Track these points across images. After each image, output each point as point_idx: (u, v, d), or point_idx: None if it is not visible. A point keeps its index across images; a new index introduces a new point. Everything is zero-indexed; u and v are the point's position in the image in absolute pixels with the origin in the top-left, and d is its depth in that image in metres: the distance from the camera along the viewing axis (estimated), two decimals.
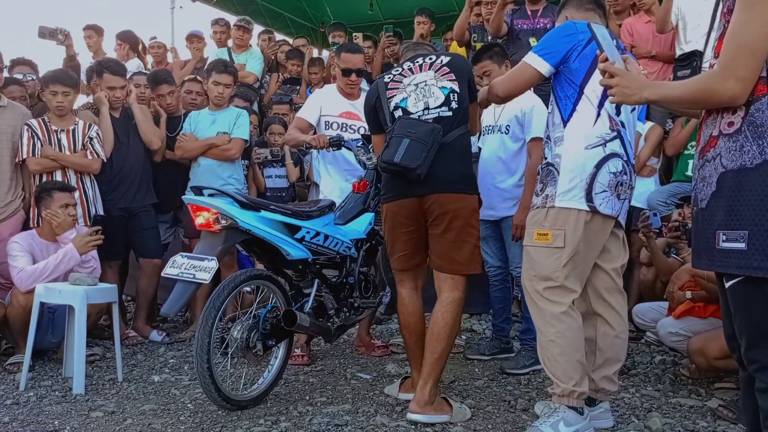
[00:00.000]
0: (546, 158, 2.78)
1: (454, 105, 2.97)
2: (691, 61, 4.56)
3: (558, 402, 2.65)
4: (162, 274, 3.09)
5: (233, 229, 3.03)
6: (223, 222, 3.00)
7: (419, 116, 2.96)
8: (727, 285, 1.73)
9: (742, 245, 1.65)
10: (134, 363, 3.98)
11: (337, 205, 3.63)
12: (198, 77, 5.62)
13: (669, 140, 4.78)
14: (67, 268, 3.76)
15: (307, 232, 3.27)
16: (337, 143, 3.80)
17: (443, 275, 2.99)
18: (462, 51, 6.23)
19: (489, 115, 3.94)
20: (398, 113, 3.01)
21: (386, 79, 3.12)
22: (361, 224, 3.62)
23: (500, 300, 4.06)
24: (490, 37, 5.73)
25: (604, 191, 2.63)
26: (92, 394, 3.36)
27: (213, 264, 2.91)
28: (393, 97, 3.05)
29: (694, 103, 1.85)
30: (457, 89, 2.99)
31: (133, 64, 7.12)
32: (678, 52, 4.97)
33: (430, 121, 2.93)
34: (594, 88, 2.66)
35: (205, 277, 2.87)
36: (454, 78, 3.02)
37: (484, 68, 3.86)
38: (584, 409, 2.68)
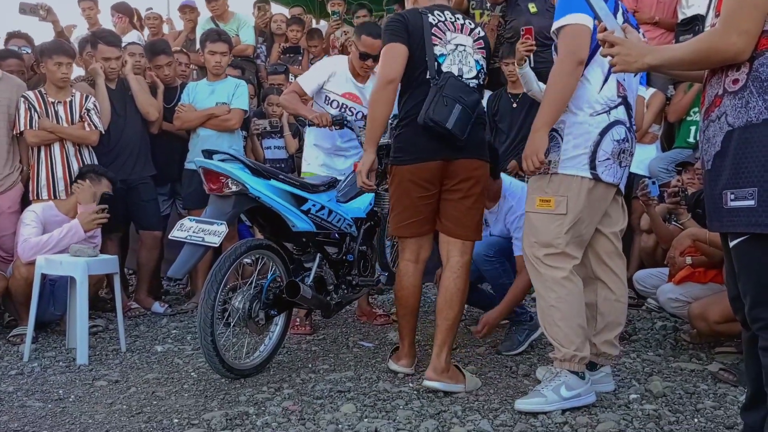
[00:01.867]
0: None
1: (481, 80, 3.00)
2: (694, 25, 4.52)
3: (560, 366, 2.67)
4: (169, 237, 3.08)
5: (243, 195, 3.02)
6: (234, 187, 2.99)
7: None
8: (731, 244, 1.72)
9: (751, 202, 1.63)
10: (137, 334, 3.99)
11: (338, 182, 3.63)
12: (184, 49, 5.59)
13: (671, 106, 4.75)
14: (72, 242, 3.75)
15: (313, 205, 3.27)
16: (339, 122, 3.75)
17: (454, 240, 2.97)
18: None
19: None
20: (435, 67, 2.89)
21: (431, 20, 2.92)
22: (362, 203, 3.63)
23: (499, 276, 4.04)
24: (488, 5, 5.67)
25: (608, 159, 2.62)
26: (96, 364, 3.37)
27: (223, 228, 2.90)
28: (436, 45, 2.90)
29: (698, 63, 1.82)
30: (485, 67, 3.04)
31: (132, 36, 7.05)
32: (680, 17, 4.92)
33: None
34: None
35: (215, 240, 2.87)
36: (485, 55, 3.04)
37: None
38: (585, 374, 2.69)
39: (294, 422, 2.56)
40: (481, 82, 3.03)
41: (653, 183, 3.70)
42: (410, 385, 2.97)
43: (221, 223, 2.92)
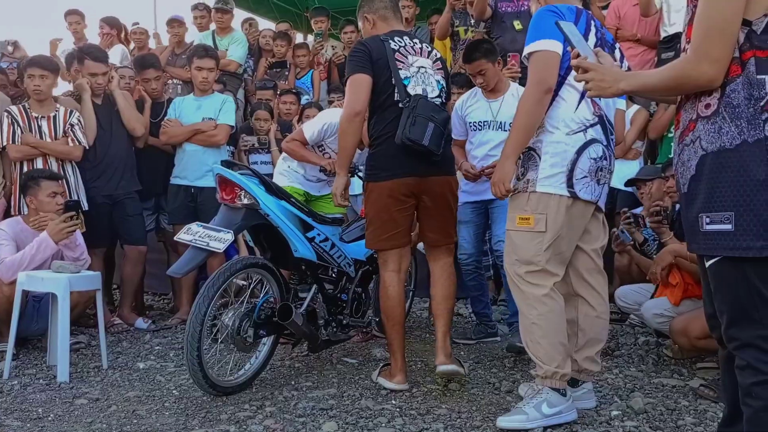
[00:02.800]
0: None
1: (443, 99, 3.20)
2: (675, 43, 4.59)
3: (541, 384, 2.67)
4: (175, 238, 3.12)
5: (253, 210, 3.07)
6: (246, 200, 3.05)
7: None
8: (707, 264, 1.75)
9: (728, 226, 1.65)
10: (119, 350, 3.96)
11: (343, 221, 3.68)
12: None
13: (652, 123, 4.80)
14: (45, 257, 3.71)
15: (318, 234, 3.30)
16: (351, 171, 3.80)
17: (437, 247, 3.25)
18: (442, 47, 6.20)
19: (482, 111, 3.90)
20: (402, 90, 3.06)
21: (393, 46, 3.10)
22: (363, 246, 3.62)
23: (476, 287, 4.07)
24: (473, 21, 5.72)
25: (585, 177, 2.65)
26: (77, 382, 3.34)
27: (229, 236, 2.92)
28: (400, 69, 3.07)
29: (671, 90, 1.85)
30: (445, 86, 3.26)
31: (117, 51, 7.06)
32: (662, 35, 4.99)
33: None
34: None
35: (220, 246, 2.89)
36: (444, 75, 3.26)
37: (480, 67, 3.82)
38: (567, 391, 2.70)
39: None
40: (444, 101, 3.21)
41: (622, 231, 3.73)
42: (393, 402, 2.96)
43: (228, 231, 2.95)
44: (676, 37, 4.60)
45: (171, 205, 4.72)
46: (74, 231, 3.82)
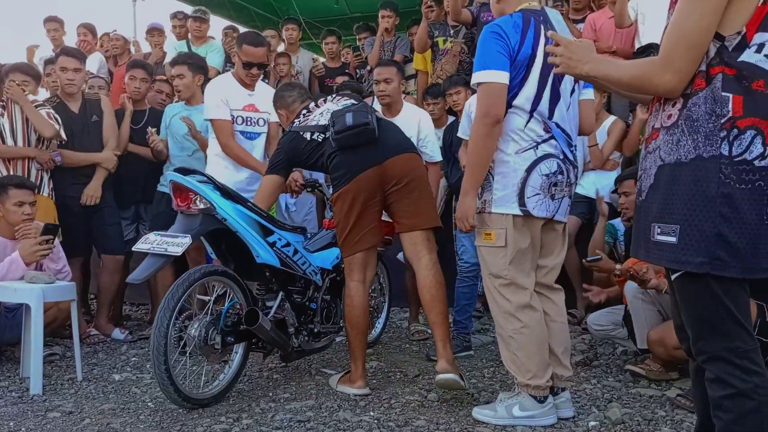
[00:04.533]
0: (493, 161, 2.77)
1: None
2: (648, 53, 4.62)
3: (519, 389, 2.76)
4: (133, 248, 3.08)
5: (210, 216, 3.03)
6: (201, 205, 3.01)
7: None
8: (672, 277, 1.75)
9: (673, 239, 1.67)
10: (95, 362, 3.91)
11: (306, 231, 3.66)
12: (168, 79, 5.58)
13: (626, 141, 4.81)
14: (15, 277, 3.62)
15: (279, 239, 3.26)
16: (312, 185, 3.95)
17: (419, 236, 3.20)
18: (422, 60, 6.21)
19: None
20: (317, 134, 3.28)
21: (296, 124, 3.43)
22: (329, 256, 3.65)
23: (467, 296, 4.05)
24: (452, 32, 5.74)
25: (537, 194, 2.70)
26: (50, 394, 3.29)
27: (187, 240, 2.89)
28: (309, 124, 3.35)
29: (633, 89, 1.85)
30: (356, 102, 3.45)
31: (95, 58, 7.00)
32: (637, 46, 5.05)
33: None
34: (527, 95, 2.68)
35: (177, 250, 2.86)
36: (351, 98, 3.48)
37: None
38: (548, 398, 2.75)
39: None
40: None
41: (596, 253, 3.74)
42: (371, 414, 2.95)
43: (185, 236, 2.91)
44: (650, 47, 4.64)
45: (154, 210, 4.66)
46: (47, 255, 3.72)
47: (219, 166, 4.08)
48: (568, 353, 2.95)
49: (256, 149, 4.20)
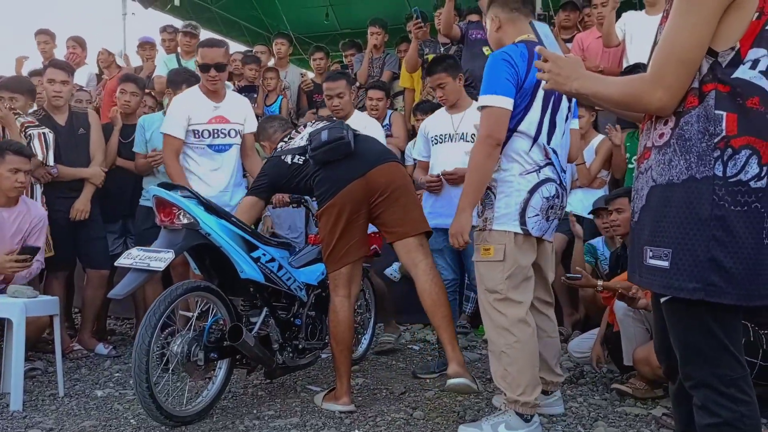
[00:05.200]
0: (494, 180, 2.84)
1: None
2: (636, 73, 4.66)
3: (506, 406, 2.77)
4: (116, 263, 3.06)
5: (193, 230, 3.01)
6: (185, 220, 3.00)
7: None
8: (661, 301, 1.70)
9: (665, 263, 1.60)
10: (77, 377, 3.86)
11: (292, 247, 3.66)
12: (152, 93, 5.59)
13: (613, 165, 4.83)
14: None
15: (263, 254, 3.25)
16: (297, 201, 4.00)
17: (412, 242, 3.22)
18: (409, 78, 6.26)
19: (443, 124, 3.96)
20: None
21: (277, 151, 3.50)
22: (315, 271, 3.65)
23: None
24: (442, 49, 5.79)
25: (537, 215, 2.80)
26: (30, 411, 3.24)
27: (170, 255, 2.87)
28: (289, 148, 3.41)
29: (623, 106, 1.78)
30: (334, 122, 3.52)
31: (84, 71, 6.99)
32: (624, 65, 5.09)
33: None
34: (531, 120, 2.79)
35: (160, 265, 2.84)
36: (329, 122, 3.52)
37: (439, 80, 3.89)
38: (534, 417, 2.78)
39: None
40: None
41: (576, 274, 3.75)
42: (356, 431, 2.92)
43: (168, 251, 2.90)
44: (637, 67, 4.67)
45: (140, 226, 4.61)
46: (19, 272, 3.68)
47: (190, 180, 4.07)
48: (559, 362, 3.10)
49: (227, 162, 4.17)
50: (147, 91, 5.51)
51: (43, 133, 4.22)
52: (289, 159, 3.36)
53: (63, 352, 3.66)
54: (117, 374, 3.94)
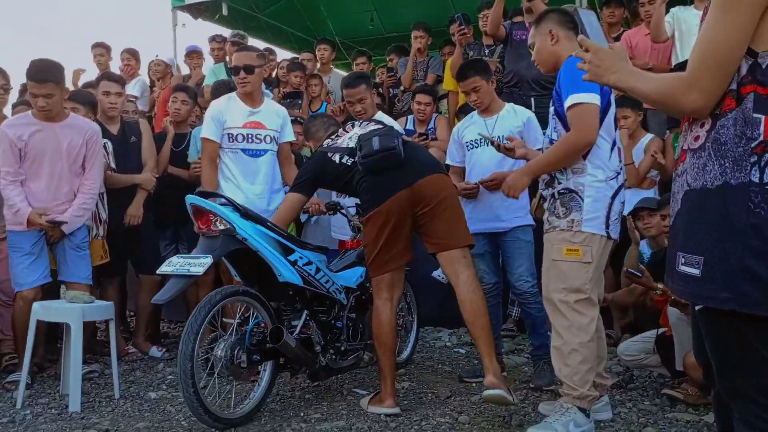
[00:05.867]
0: (560, 182, 2.90)
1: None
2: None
3: (570, 403, 2.80)
4: (157, 272, 3.15)
5: (230, 236, 3.08)
6: (221, 226, 3.07)
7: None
8: (696, 308, 1.65)
9: (696, 271, 1.54)
10: (132, 380, 3.99)
11: (327, 250, 3.71)
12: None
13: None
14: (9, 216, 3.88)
15: (300, 257, 3.30)
16: (333, 208, 4.01)
17: (456, 254, 3.25)
18: (453, 81, 6.22)
19: (477, 129, 3.89)
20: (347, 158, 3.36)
21: (323, 147, 3.54)
22: (353, 275, 3.69)
23: (494, 316, 4.01)
24: (487, 51, 5.76)
25: (616, 219, 2.89)
26: (88, 412, 3.37)
27: (208, 260, 2.95)
28: (338, 146, 3.46)
29: (659, 105, 1.71)
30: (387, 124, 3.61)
31: (137, 82, 7.21)
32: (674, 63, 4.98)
33: None
34: (608, 122, 2.86)
35: (199, 270, 2.93)
36: (379, 122, 3.60)
37: (473, 84, 3.86)
38: (590, 413, 2.84)
39: None
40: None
41: (637, 270, 3.68)
42: None
43: (207, 256, 2.98)
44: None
45: (191, 232, 4.73)
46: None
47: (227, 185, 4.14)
48: (604, 364, 3.12)
49: (263, 167, 4.19)
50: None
51: (105, 143, 4.39)
52: (336, 158, 3.40)
53: (118, 355, 3.78)
54: (170, 377, 4.05)
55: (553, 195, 2.92)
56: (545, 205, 3.00)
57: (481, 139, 3.79)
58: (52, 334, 4.25)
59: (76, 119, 4.07)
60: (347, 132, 3.54)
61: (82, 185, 4.02)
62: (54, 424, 3.19)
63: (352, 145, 3.37)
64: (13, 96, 5.22)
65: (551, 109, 2.98)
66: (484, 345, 3.16)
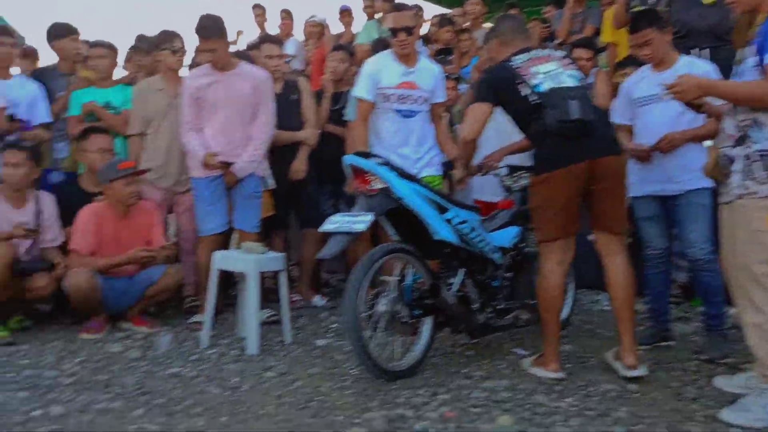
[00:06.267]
0: (756, 142, 2.66)
1: (580, 84, 3.25)
2: None
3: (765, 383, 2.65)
4: (319, 230, 3.29)
5: (387, 196, 3.17)
6: (379, 185, 3.16)
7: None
8: None
9: None
10: (299, 326, 4.23)
11: (479, 210, 3.70)
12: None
13: None
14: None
15: (455, 216, 3.33)
16: (488, 168, 3.94)
17: (613, 237, 3.21)
18: (611, 32, 5.85)
19: (649, 84, 3.64)
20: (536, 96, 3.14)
21: (514, 65, 3.24)
22: (507, 235, 3.66)
23: (662, 282, 3.82)
24: None
25: None
26: (265, 355, 3.63)
27: (369, 217, 3.07)
28: (524, 82, 3.18)
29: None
30: (584, 77, 3.39)
31: (292, 42, 7.46)
32: None
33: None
34: None
35: (362, 227, 3.04)
36: (577, 68, 3.37)
37: (645, 37, 3.58)
38: None
39: (452, 430, 2.61)
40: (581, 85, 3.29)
41: None
42: (567, 400, 2.91)
43: (367, 214, 3.09)
44: None
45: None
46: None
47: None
48: None
49: (414, 127, 4.16)
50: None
51: None
52: (523, 90, 3.18)
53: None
54: (333, 325, 4.26)
55: (747, 156, 2.67)
56: (734, 167, 2.74)
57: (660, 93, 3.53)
58: (228, 281, 4.59)
59: (245, 67, 4.31)
60: (541, 62, 3.24)
61: (253, 133, 4.25)
62: (236, 364, 3.47)
63: (543, 88, 3.13)
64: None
65: (750, 60, 2.69)
66: (627, 329, 3.16)
